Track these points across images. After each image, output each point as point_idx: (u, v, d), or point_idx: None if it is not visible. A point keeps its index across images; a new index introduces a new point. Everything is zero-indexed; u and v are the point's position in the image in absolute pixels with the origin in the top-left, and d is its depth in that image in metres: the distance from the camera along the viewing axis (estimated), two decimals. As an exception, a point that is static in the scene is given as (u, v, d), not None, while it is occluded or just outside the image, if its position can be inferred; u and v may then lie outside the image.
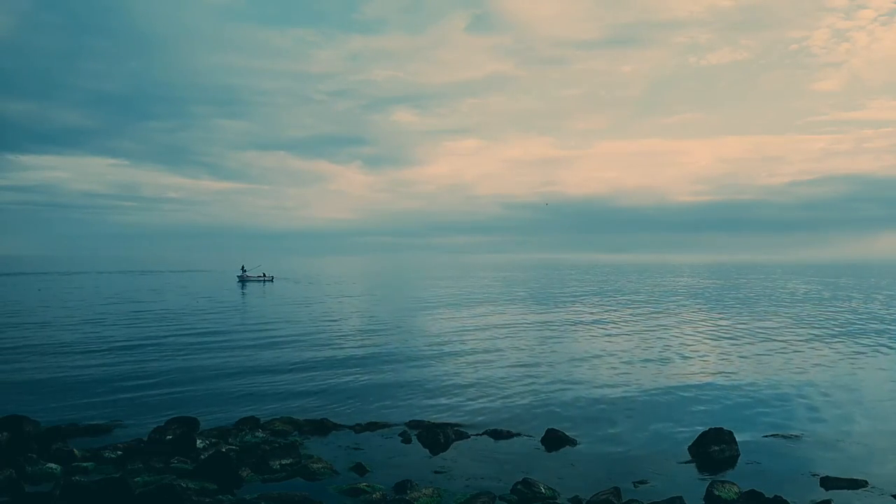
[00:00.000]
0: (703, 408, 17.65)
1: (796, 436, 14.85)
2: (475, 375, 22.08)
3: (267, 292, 69.89)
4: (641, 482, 11.75)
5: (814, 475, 12.14)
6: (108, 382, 20.29)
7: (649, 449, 13.88)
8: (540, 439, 14.38)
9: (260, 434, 14.36)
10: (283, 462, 12.29)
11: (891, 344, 30.10)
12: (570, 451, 13.75)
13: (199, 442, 13.22)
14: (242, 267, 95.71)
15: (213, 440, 13.56)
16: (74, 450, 12.66)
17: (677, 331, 35.04)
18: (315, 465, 12.17)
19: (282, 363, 24.17)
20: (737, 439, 13.56)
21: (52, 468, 11.67)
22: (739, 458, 13.18)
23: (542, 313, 45.67)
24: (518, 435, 14.86)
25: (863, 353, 27.47)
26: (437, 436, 14.17)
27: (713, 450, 13.17)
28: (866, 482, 11.64)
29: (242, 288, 77.80)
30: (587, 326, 37.39)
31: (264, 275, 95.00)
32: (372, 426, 15.42)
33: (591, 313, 45.74)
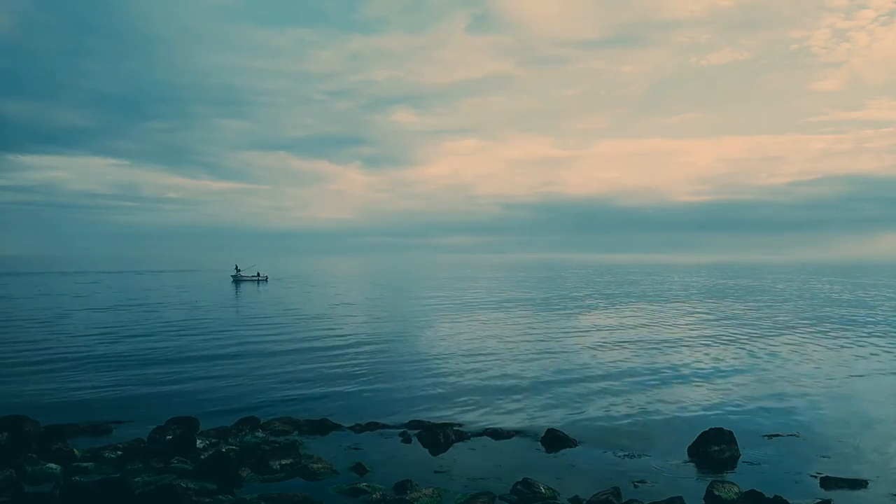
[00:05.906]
0: (703, 408, 17.65)
1: (796, 436, 14.86)
2: (475, 375, 22.08)
3: (262, 292, 69.83)
4: (641, 482, 11.75)
5: (814, 475, 12.14)
6: (108, 382, 20.30)
7: (649, 449, 13.87)
8: (540, 439, 14.38)
9: (260, 434, 14.37)
10: (283, 462, 12.29)
11: (892, 344, 30.09)
12: (570, 451, 13.75)
13: (199, 442, 13.22)
14: (236, 267, 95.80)
15: (213, 440, 13.56)
16: (74, 450, 12.67)
17: (678, 330, 35.05)
18: (315, 465, 12.17)
19: (281, 363, 24.17)
20: (737, 439, 13.57)
21: (52, 468, 11.66)
22: (739, 458, 13.18)
23: (542, 314, 45.67)
24: (518, 435, 14.87)
25: (864, 352, 27.48)
26: (437, 436, 14.16)
27: (713, 450, 13.18)
28: (866, 482, 11.66)
29: (237, 288, 77.72)
30: (586, 327, 37.40)
31: (259, 275, 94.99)
32: (372, 426, 15.42)
33: (591, 313, 45.75)
